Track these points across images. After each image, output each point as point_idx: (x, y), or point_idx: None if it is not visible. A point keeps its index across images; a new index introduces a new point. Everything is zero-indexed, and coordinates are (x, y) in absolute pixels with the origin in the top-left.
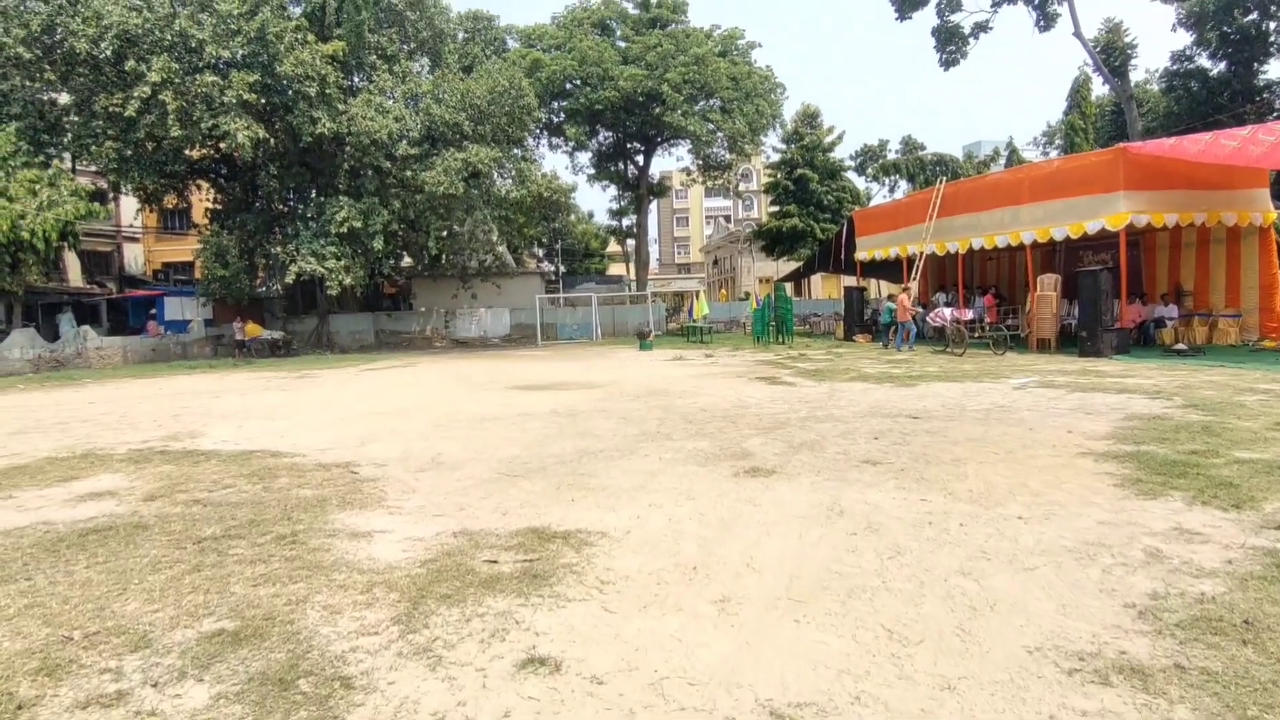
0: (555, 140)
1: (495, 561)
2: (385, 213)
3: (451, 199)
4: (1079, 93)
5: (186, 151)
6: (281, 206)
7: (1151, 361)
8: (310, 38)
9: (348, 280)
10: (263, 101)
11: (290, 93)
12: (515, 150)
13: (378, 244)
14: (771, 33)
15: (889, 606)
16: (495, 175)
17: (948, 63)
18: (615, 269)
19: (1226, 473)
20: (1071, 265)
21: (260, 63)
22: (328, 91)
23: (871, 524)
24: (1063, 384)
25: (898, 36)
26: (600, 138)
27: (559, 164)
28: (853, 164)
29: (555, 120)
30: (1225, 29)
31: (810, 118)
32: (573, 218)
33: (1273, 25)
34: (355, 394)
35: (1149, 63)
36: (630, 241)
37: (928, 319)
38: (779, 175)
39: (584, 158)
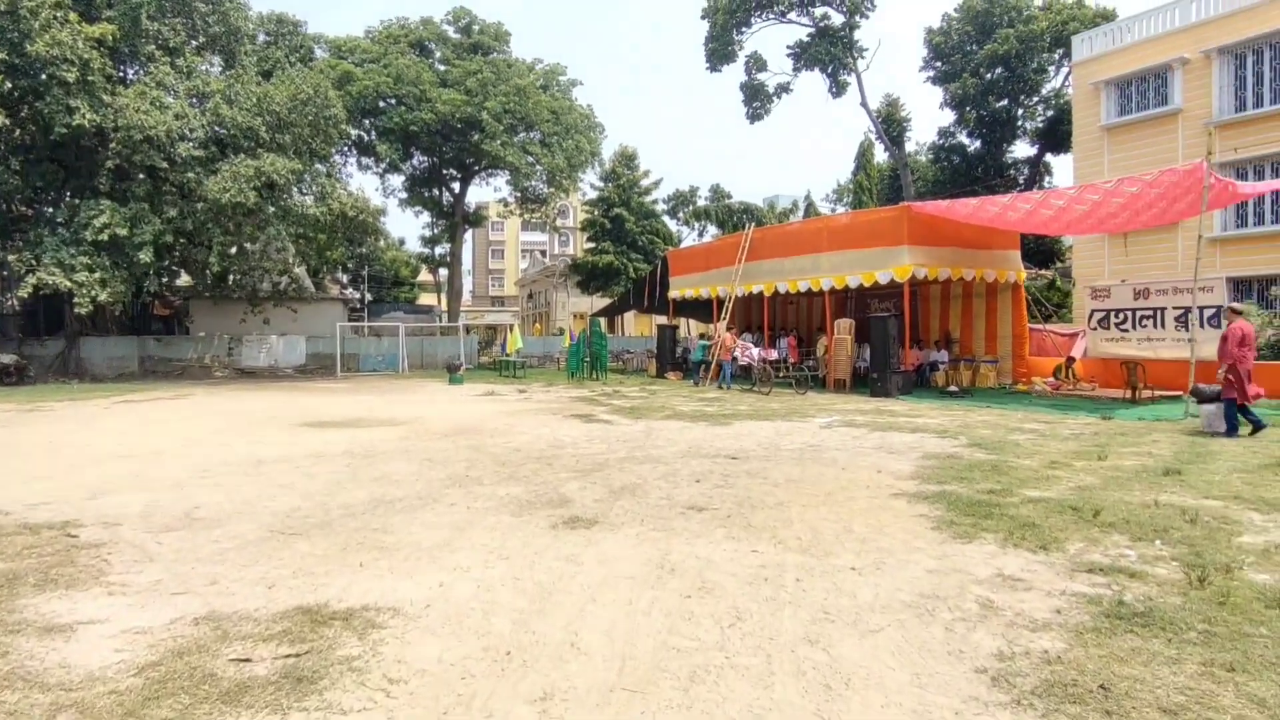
0: (365, 160)
1: (247, 660)
2: (157, 221)
3: (240, 210)
4: (864, 155)
5: None
6: (23, 208)
7: (931, 401)
8: (73, 16)
9: (103, 296)
10: (6, 84)
11: (43, 77)
12: (319, 166)
13: (145, 256)
14: (591, 73)
15: (738, 690)
16: (295, 190)
17: (753, 116)
18: (426, 299)
19: (1025, 512)
20: (861, 311)
21: (7, 39)
22: (90, 79)
23: (705, 583)
24: (863, 423)
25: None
26: (415, 161)
27: (369, 185)
28: (665, 207)
29: (366, 138)
30: (981, 112)
31: (628, 159)
32: (382, 243)
33: (1020, 111)
34: (98, 432)
35: (920, 135)
36: (443, 271)
37: (736, 357)
38: (596, 212)
39: (396, 180)
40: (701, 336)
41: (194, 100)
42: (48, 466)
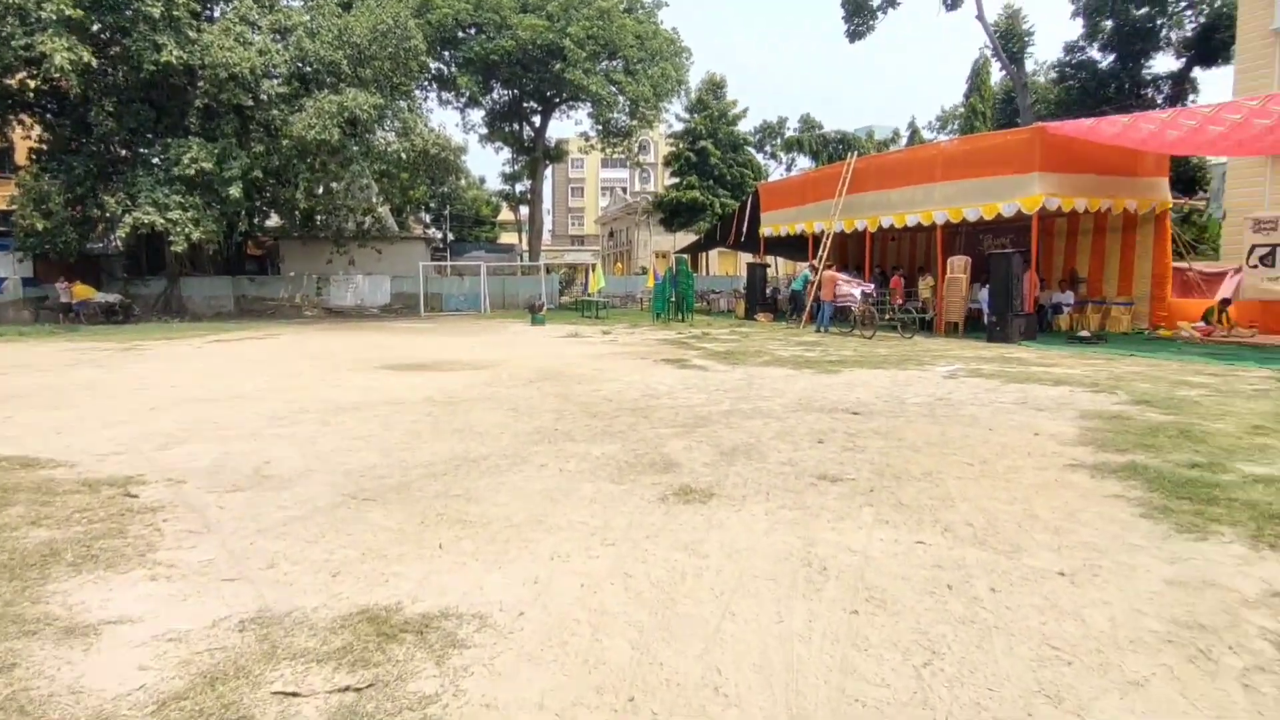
0: (446, 95)
1: (294, 694)
2: (245, 157)
3: (324, 148)
4: (979, 76)
5: (3, 79)
6: (121, 150)
7: (1060, 348)
8: None
9: (197, 234)
10: (92, 21)
11: (128, 13)
12: (401, 101)
13: (235, 192)
14: None
15: None
16: (377, 127)
17: (854, 34)
18: (507, 238)
19: (1258, 496)
20: (971, 248)
21: None
22: (175, 14)
23: (871, 590)
24: (991, 373)
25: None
26: (495, 95)
27: (449, 121)
28: (753, 140)
29: (446, 72)
30: (1118, 21)
31: (715, 87)
32: (463, 181)
33: (1163, 21)
34: (187, 373)
35: (1042, 54)
36: (523, 209)
37: (837, 296)
38: (681, 145)
39: (476, 116)
40: (811, 269)
41: (276, 35)
42: (129, 410)
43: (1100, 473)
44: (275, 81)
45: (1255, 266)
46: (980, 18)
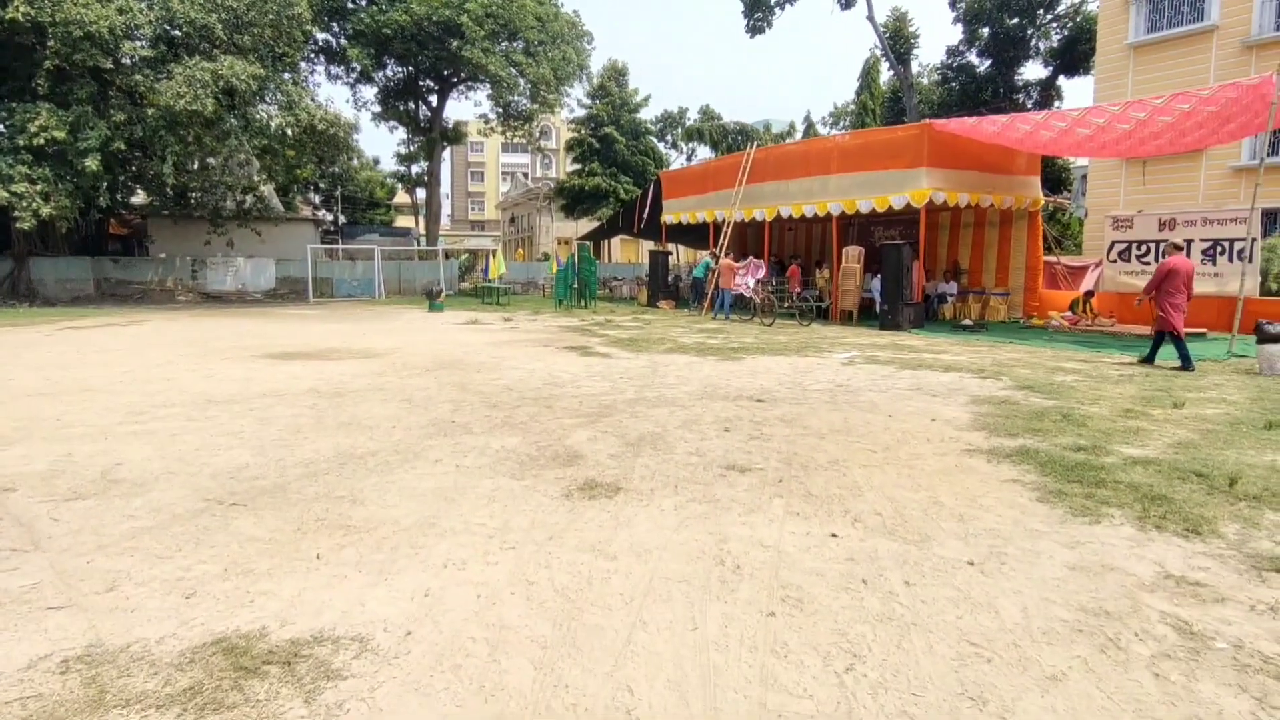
0: (335, 69)
1: None
2: (103, 126)
3: (197, 119)
4: (869, 74)
5: None
6: None
7: (946, 336)
8: None
9: (46, 210)
10: None
11: None
12: (285, 75)
13: (92, 164)
14: None
15: None
16: (257, 99)
17: (754, 29)
18: (403, 222)
19: (1139, 478)
20: (864, 239)
21: None
22: None
23: (787, 589)
24: (885, 360)
25: (697, 7)
26: (389, 72)
27: (339, 96)
28: (654, 129)
29: (335, 45)
30: (994, 29)
31: (618, 74)
32: (355, 161)
33: (1033, 31)
34: (24, 365)
35: (926, 56)
36: (420, 191)
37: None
38: (583, 131)
39: (369, 92)
40: (712, 257)
41: None
42: None
43: (995, 457)
44: (139, 44)
45: (1114, 261)
46: (871, 18)
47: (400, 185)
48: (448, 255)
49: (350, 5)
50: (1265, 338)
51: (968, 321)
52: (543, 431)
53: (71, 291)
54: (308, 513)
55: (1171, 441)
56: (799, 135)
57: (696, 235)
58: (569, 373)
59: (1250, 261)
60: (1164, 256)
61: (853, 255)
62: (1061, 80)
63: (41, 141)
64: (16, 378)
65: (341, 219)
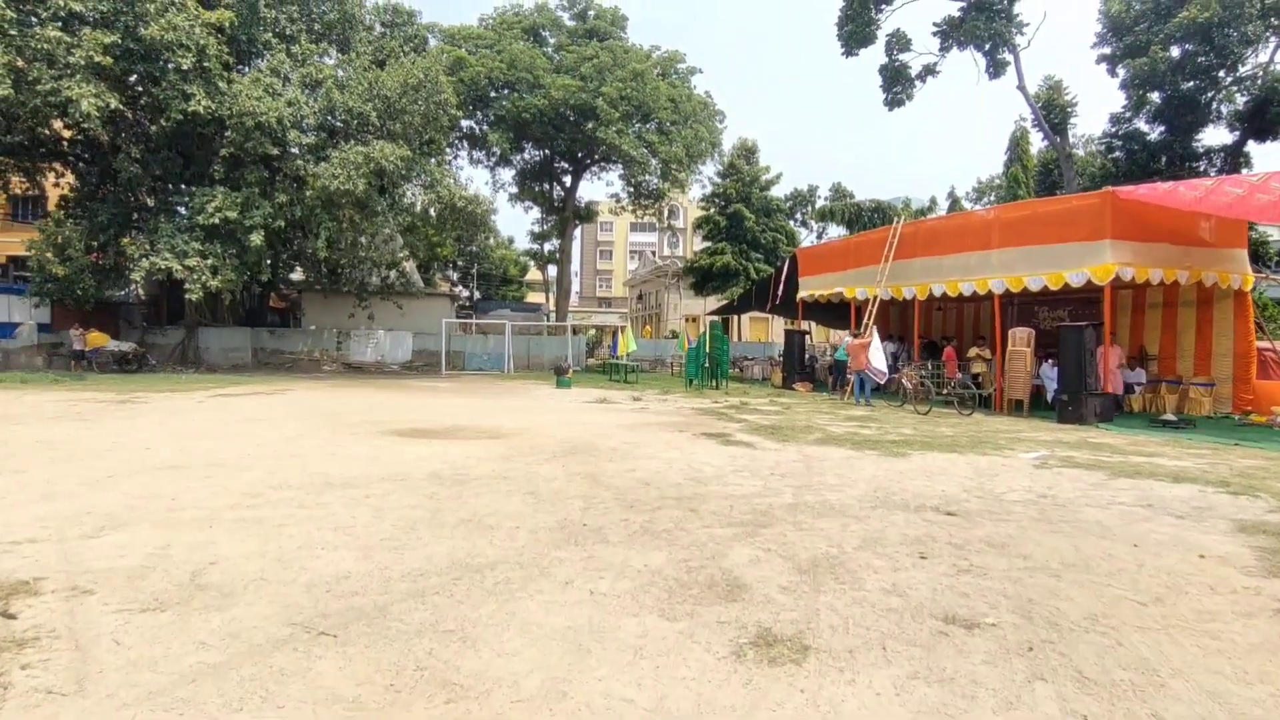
0: (476, 153)
1: None
2: (268, 205)
3: (349, 198)
4: (1018, 145)
5: (35, 127)
6: (146, 198)
7: (1146, 433)
8: (190, 2)
9: (215, 283)
10: (122, 68)
11: (160, 62)
12: (431, 160)
13: (256, 239)
14: (709, 62)
15: None
16: (404, 180)
17: (893, 102)
18: (534, 298)
19: None
20: (1024, 320)
21: (123, 23)
22: (207, 65)
23: None
24: (1085, 462)
25: (828, 89)
26: (526, 154)
27: (479, 179)
28: (785, 206)
29: (478, 130)
30: (1167, 93)
31: (748, 152)
32: (491, 240)
33: (1214, 94)
34: (171, 432)
35: (1084, 127)
36: (551, 268)
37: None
38: (713, 210)
39: (507, 174)
40: (852, 336)
41: (307, 88)
42: (81, 477)
43: None
44: (303, 132)
45: None
46: (1021, 87)
47: (533, 262)
48: (575, 331)
49: (493, 94)
50: None
51: (1169, 416)
52: (692, 545)
53: (232, 359)
54: (407, 655)
55: None
56: (942, 210)
57: (835, 313)
58: (712, 465)
59: None
60: None
61: (1021, 338)
62: (1251, 146)
63: (216, 221)
64: (154, 448)
65: (476, 295)
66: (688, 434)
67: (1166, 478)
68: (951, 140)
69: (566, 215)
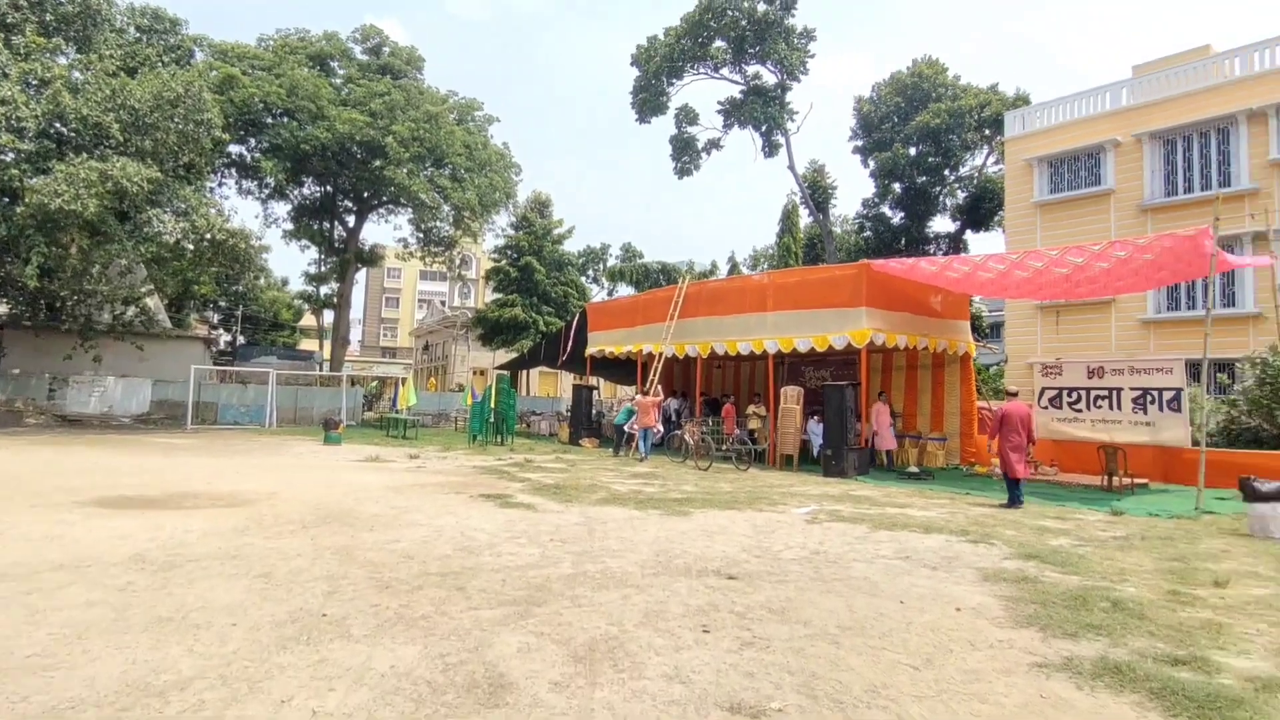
0: (247, 183)
1: None
2: None
3: (74, 220)
4: (789, 218)
5: None
6: None
7: (896, 484)
8: None
9: None
10: None
11: None
12: (189, 186)
13: None
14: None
15: None
16: (150, 205)
17: (682, 171)
18: (308, 345)
19: (1273, 710)
20: (794, 378)
21: None
22: None
23: None
24: (850, 515)
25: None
26: (305, 189)
27: (248, 211)
28: (577, 262)
29: (250, 158)
30: (906, 185)
31: (542, 205)
32: (261, 280)
33: (938, 189)
34: None
35: (844, 206)
36: (328, 314)
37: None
38: (504, 261)
39: (281, 209)
40: (632, 399)
41: (30, 86)
42: None
43: (1080, 677)
44: (19, 136)
45: (1046, 408)
46: (791, 168)
47: (307, 306)
48: (354, 382)
49: (270, 120)
50: (1254, 496)
51: (913, 469)
52: (453, 633)
53: None
54: None
55: (1271, 645)
56: (723, 274)
57: (622, 370)
58: (485, 532)
59: (1179, 411)
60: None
61: (791, 396)
62: (968, 235)
63: None
64: None
65: (240, 340)
66: (464, 496)
67: (919, 528)
68: (733, 209)
69: (348, 257)
